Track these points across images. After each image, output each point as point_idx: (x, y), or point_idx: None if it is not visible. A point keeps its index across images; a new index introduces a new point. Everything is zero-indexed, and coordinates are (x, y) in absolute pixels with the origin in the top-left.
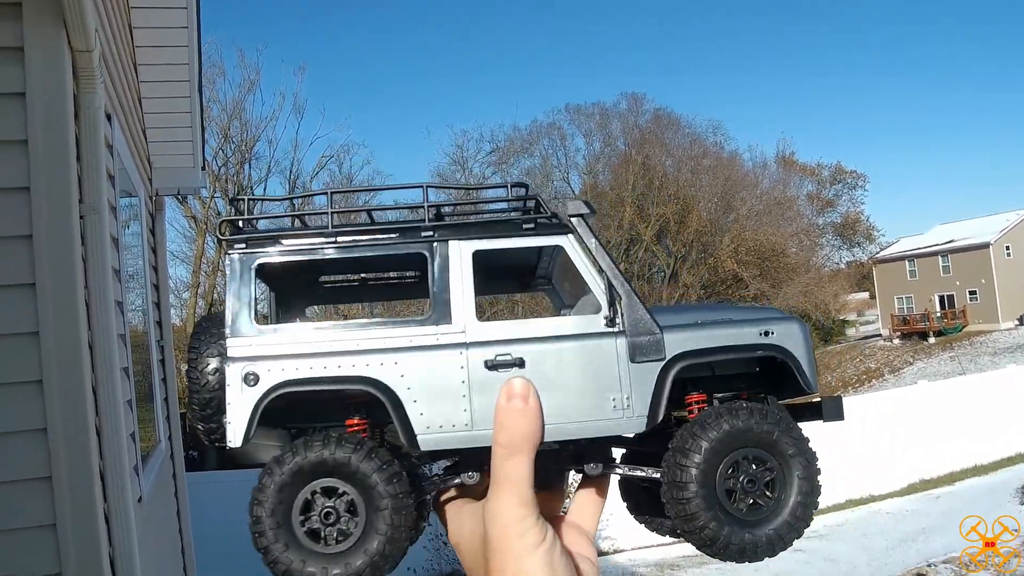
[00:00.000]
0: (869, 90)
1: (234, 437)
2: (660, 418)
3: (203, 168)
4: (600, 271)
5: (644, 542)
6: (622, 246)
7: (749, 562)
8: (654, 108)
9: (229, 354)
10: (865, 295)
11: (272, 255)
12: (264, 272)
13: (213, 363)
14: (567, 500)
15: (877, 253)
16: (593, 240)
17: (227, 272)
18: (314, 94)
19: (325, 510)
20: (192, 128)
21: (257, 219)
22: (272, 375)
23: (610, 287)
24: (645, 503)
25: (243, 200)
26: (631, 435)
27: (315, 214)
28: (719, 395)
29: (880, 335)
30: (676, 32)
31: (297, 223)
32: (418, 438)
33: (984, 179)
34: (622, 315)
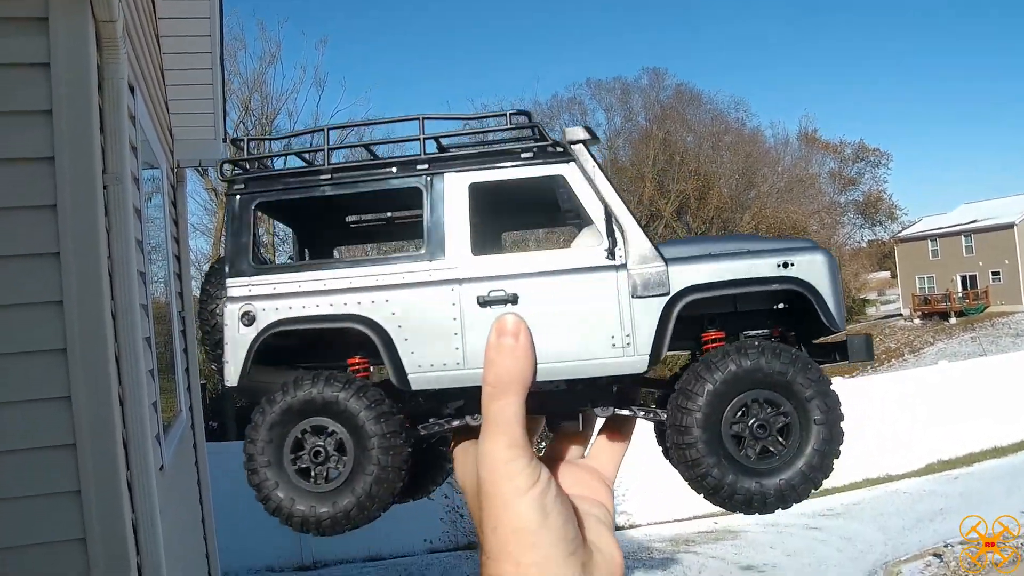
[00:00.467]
0: (894, 67)
1: (231, 376)
2: (662, 357)
3: (224, 140)
4: (601, 200)
5: (660, 517)
6: (642, 222)
7: (758, 514)
8: (676, 83)
9: (228, 294)
10: (886, 274)
11: (270, 194)
12: (271, 211)
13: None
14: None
15: (899, 232)
16: (593, 166)
17: (228, 212)
18: (335, 67)
19: (315, 449)
20: (214, 100)
21: (258, 159)
22: (267, 315)
23: (610, 217)
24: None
25: (244, 141)
26: (633, 374)
27: (313, 151)
28: (750, 333)
29: (901, 315)
30: (698, 6)
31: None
32: (409, 377)
33: (1010, 158)
34: (624, 247)
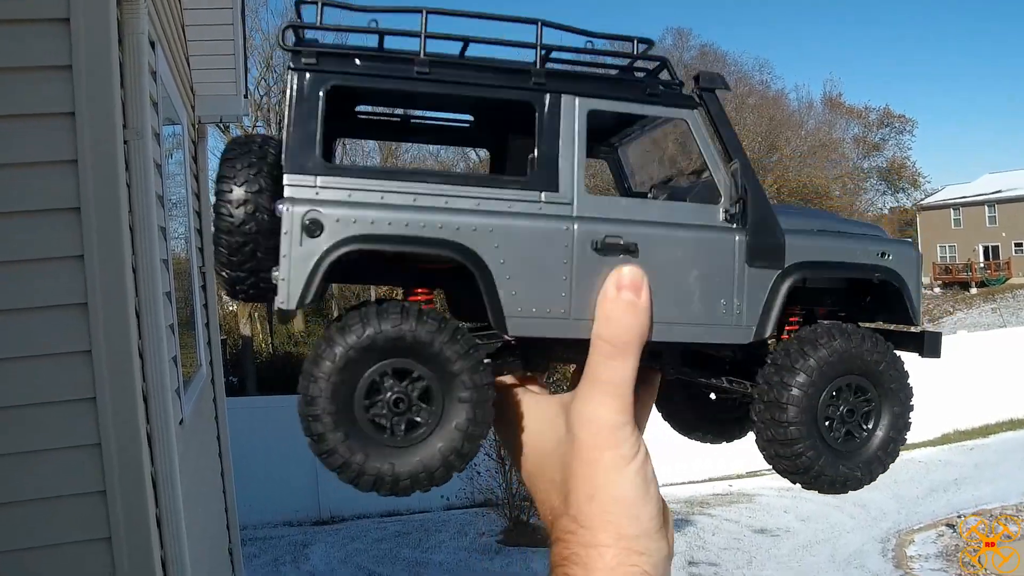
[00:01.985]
0: (921, 33)
1: (287, 298)
2: (768, 332)
3: (245, 96)
4: (727, 155)
5: (674, 479)
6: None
7: (835, 494)
8: (700, 44)
9: (287, 194)
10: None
11: (348, 77)
12: (329, 96)
13: (250, 196)
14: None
15: (922, 200)
16: (722, 118)
17: (291, 92)
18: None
19: (395, 396)
20: (235, 56)
21: (331, 30)
22: (341, 227)
23: (735, 175)
24: (691, 419)
25: (315, 4)
26: (736, 344)
27: (401, 34)
28: (825, 310)
29: (921, 283)
30: None
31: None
32: (507, 320)
33: None
34: (745, 210)
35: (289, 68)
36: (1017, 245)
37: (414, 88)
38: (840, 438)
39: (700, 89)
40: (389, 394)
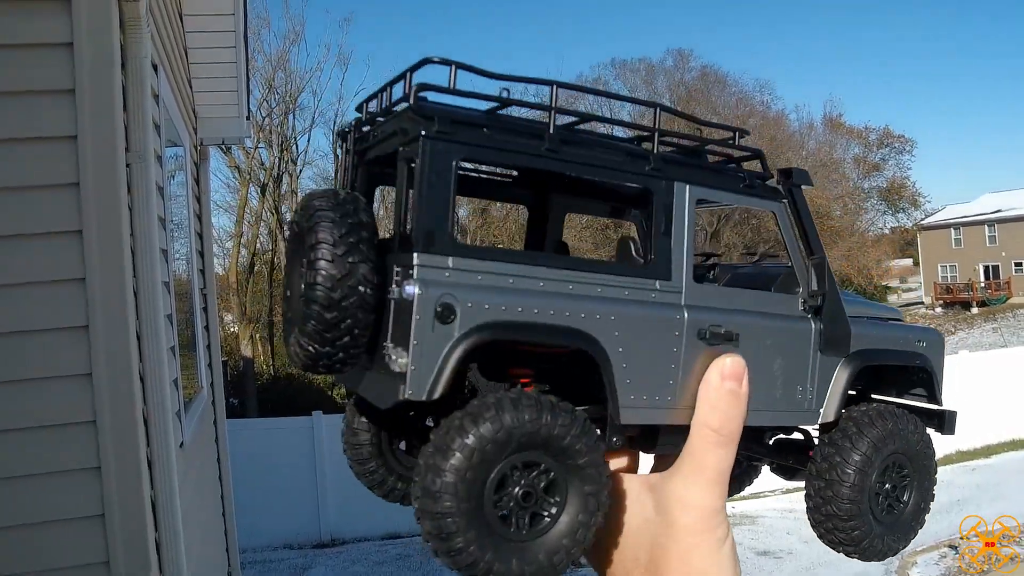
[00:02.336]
0: (920, 53)
1: (418, 388)
2: (834, 416)
3: (247, 118)
4: (809, 248)
5: None
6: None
7: (878, 561)
8: (701, 65)
9: (418, 275)
10: (908, 262)
11: (481, 151)
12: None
13: (353, 269)
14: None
15: (922, 220)
16: (807, 212)
17: (422, 161)
18: (359, 45)
19: (524, 490)
20: (237, 78)
21: (463, 95)
22: (474, 312)
23: (824, 268)
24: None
25: (447, 65)
26: (805, 426)
27: (535, 107)
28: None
29: (922, 303)
30: None
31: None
32: (622, 410)
33: None
34: (822, 300)
35: (422, 135)
36: (1017, 265)
37: (540, 165)
38: (884, 511)
39: (790, 185)
40: (517, 488)
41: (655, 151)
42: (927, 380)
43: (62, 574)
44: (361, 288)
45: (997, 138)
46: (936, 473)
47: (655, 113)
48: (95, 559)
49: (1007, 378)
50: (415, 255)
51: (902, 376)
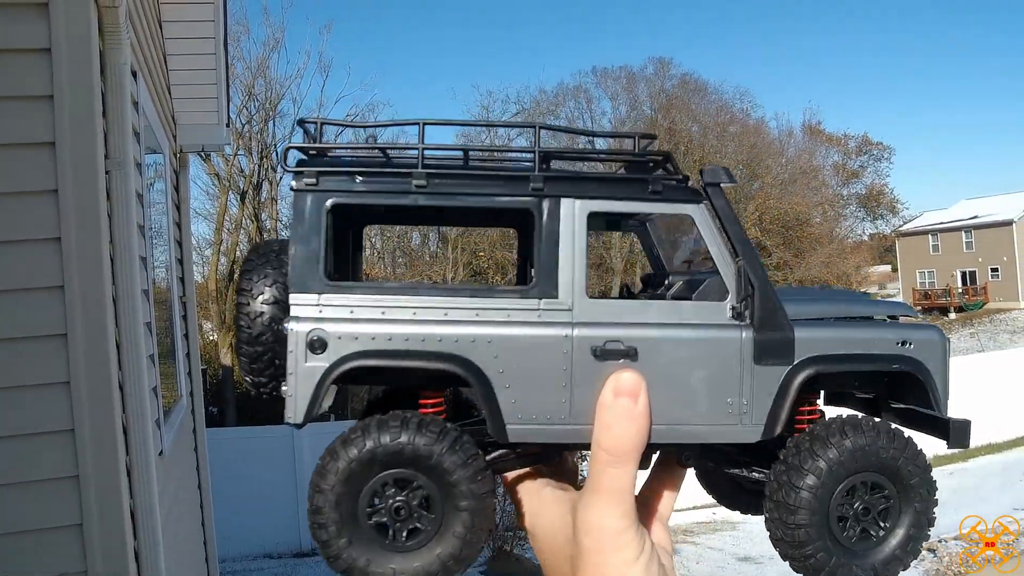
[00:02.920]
0: (898, 62)
1: (295, 413)
2: (779, 430)
3: (227, 125)
4: (733, 250)
5: None
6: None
7: None
8: (681, 73)
9: (293, 312)
10: (887, 268)
11: (349, 195)
12: (333, 214)
13: (266, 308)
14: None
15: (900, 226)
16: (728, 212)
17: (294, 211)
18: (340, 53)
19: (396, 504)
20: (217, 85)
21: (330, 148)
22: (343, 344)
23: (743, 273)
24: (729, 493)
25: (314, 124)
26: (743, 443)
27: (401, 147)
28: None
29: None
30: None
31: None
32: (507, 428)
33: (1013, 155)
34: (752, 307)
35: (291, 188)
36: (994, 270)
37: (413, 202)
38: (855, 537)
39: (705, 184)
40: (390, 502)
41: (536, 171)
42: (919, 385)
43: None
44: (274, 324)
45: (973, 144)
46: (934, 493)
47: (535, 133)
48: (74, 568)
49: (984, 383)
50: (290, 295)
51: (900, 382)
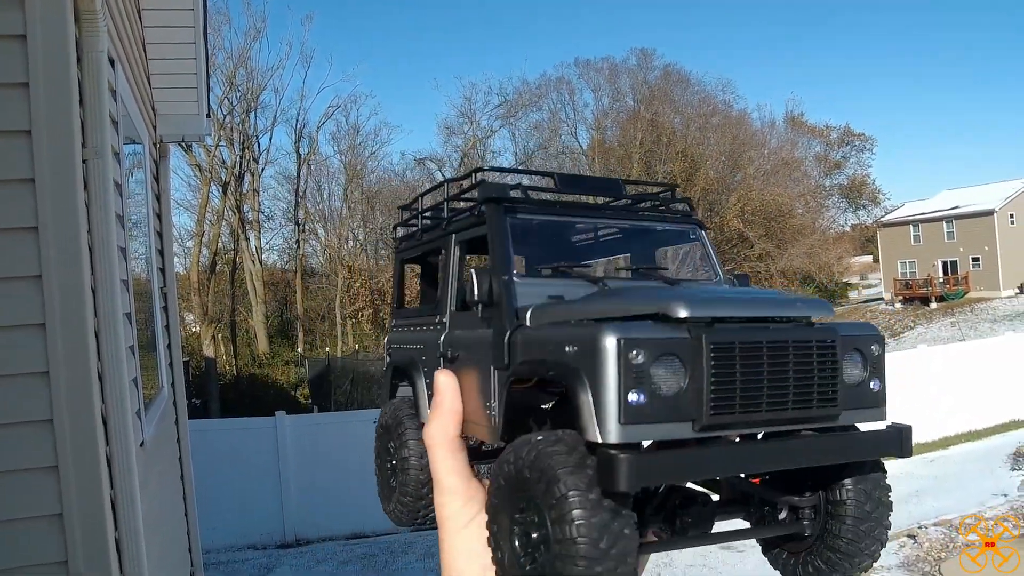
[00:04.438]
0: (881, 52)
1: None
2: (498, 438)
3: (208, 116)
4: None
5: None
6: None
7: None
8: (664, 64)
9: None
10: (869, 258)
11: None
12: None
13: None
14: None
15: (882, 217)
16: (495, 229)
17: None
18: (321, 43)
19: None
20: (197, 75)
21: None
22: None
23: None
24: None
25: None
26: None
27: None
28: None
29: (883, 299)
30: None
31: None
32: (423, 417)
33: (994, 145)
34: (481, 308)
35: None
36: (974, 260)
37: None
38: (530, 564)
39: (479, 203)
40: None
41: (446, 216)
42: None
43: (19, 573)
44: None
45: (954, 135)
46: (571, 508)
47: (446, 187)
48: (54, 559)
49: (964, 371)
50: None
51: None
